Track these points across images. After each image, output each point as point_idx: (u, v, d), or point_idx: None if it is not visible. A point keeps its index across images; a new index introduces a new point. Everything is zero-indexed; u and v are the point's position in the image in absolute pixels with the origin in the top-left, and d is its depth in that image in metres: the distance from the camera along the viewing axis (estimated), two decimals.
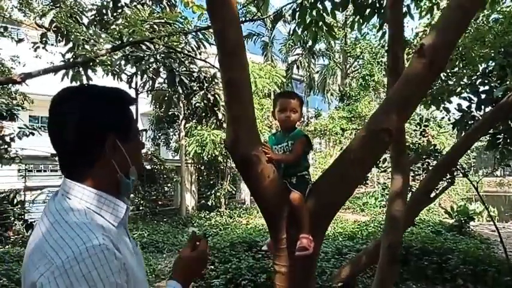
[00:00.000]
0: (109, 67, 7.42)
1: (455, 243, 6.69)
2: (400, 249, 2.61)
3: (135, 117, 1.11)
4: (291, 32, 4.16)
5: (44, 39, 7.38)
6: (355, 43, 15.37)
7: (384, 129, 1.70)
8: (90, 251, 0.81)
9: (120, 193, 1.00)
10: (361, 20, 3.96)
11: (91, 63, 6.19)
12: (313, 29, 3.97)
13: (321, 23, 3.93)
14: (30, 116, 17.83)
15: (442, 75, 5.99)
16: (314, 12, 3.78)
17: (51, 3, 7.39)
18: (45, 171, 15.29)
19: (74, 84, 7.67)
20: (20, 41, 7.67)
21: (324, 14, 3.88)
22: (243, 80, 1.64)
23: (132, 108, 1.09)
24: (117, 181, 0.98)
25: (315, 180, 1.93)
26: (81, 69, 7.39)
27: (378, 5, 3.61)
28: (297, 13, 3.86)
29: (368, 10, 3.67)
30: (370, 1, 3.65)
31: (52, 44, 7.66)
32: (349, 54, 16.60)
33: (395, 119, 1.70)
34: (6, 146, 4.95)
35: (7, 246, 7.59)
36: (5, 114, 4.19)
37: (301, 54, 19.91)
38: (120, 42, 5.04)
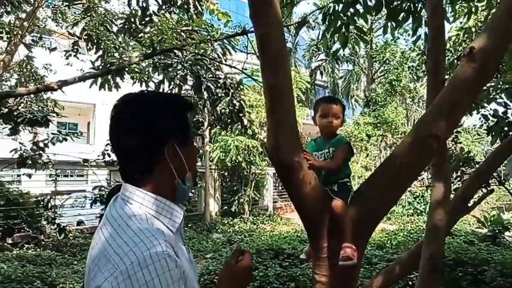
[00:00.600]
0: (137, 74, 7.58)
1: (490, 254, 6.41)
2: (441, 260, 2.50)
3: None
4: (319, 36, 4.11)
5: (76, 47, 7.64)
6: (385, 47, 15.10)
7: (432, 136, 1.63)
8: (154, 257, 0.80)
9: (176, 199, 0.99)
10: (394, 24, 3.89)
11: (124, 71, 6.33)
12: (344, 33, 3.92)
13: (351, 27, 3.88)
14: (58, 123, 18.48)
15: None
16: (345, 16, 3.73)
17: (83, 13, 7.64)
18: (71, 176, 15.74)
19: (102, 91, 7.90)
20: (53, 49, 7.96)
21: (355, 17, 3.83)
22: (285, 85, 1.61)
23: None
24: (174, 187, 0.98)
25: (359, 187, 1.88)
26: (109, 76, 7.61)
27: (412, 9, 3.52)
28: (327, 17, 3.82)
29: (402, 14, 3.59)
30: (404, 5, 3.56)
31: (81, 53, 7.91)
32: (375, 59, 16.34)
33: (443, 125, 1.63)
34: (40, 152, 5.10)
35: (38, 250, 7.83)
36: (40, 120, 4.32)
37: (324, 60, 19.80)
38: (152, 49, 5.12)
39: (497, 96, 5.24)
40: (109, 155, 5.30)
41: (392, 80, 14.75)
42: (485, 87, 5.40)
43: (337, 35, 4.06)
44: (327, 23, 3.90)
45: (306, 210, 1.77)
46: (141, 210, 0.91)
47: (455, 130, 6.61)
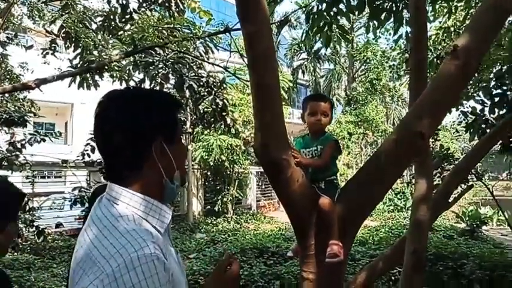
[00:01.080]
0: (117, 73, 7.44)
1: (468, 247, 6.60)
2: (425, 254, 2.55)
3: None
4: (302, 36, 4.13)
5: (53, 45, 7.42)
6: (366, 46, 15.31)
7: (417, 133, 1.65)
8: (142, 259, 0.78)
9: (164, 199, 0.97)
10: (376, 24, 3.94)
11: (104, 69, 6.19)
12: (327, 32, 3.94)
13: (334, 26, 3.91)
14: (34, 123, 17.95)
15: None
16: (328, 16, 3.76)
17: (61, 10, 7.43)
18: (49, 177, 15.30)
19: (80, 90, 7.71)
20: (29, 47, 7.71)
21: (338, 17, 3.86)
22: (274, 83, 1.60)
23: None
24: (162, 186, 0.96)
25: (345, 184, 1.89)
26: (88, 75, 7.44)
27: (394, 9, 3.58)
28: (311, 16, 3.83)
29: (384, 14, 3.64)
30: (386, 5, 3.61)
31: (58, 51, 7.68)
32: (355, 58, 16.58)
33: (427, 122, 1.66)
34: (17, 153, 4.94)
35: (15, 254, 7.58)
36: (17, 120, 4.17)
37: (306, 59, 19.93)
38: (133, 47, 5.03)
39: (475, 94, 5.38)
40: (88, 155, 5.17)
41: (372, 79, 15.01)
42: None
43: (319, 34, 4.10)
44: (310, 22, 3.93)
45: (293, 208, 1.77)
46: (128, 210, 0.88)
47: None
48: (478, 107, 5.22)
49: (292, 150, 1.72)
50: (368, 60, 15.90)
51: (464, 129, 5.41)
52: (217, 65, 7.42)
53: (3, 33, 7.29)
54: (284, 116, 1.73)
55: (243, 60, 7.34)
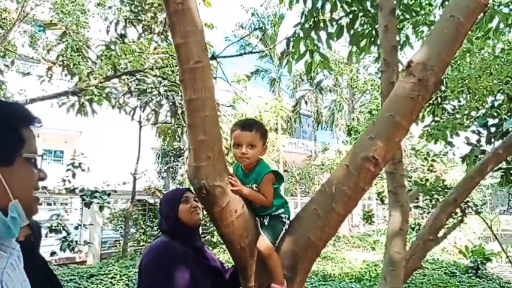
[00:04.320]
0: (112, 100, 7.43)
1: (471, 286, 6.17)
2: None
3: (35, 139, 0.92)
4: (284, 62, 4.03)
5: (50, 72, 7.48)
6: (357, 76, 15.31)
7: (369, 158, 1.47)
8: None
9: None
10: (358, 51, 3.84)
11: (91, 95, 6.17)
12: (307, 60, 3.85)
13: (315, 53, 3.81)
14: (44, 150, 18.07)
15: (448, 107, 5.79)
16: (308, 42, 3.67)
17: (59, 38, 7.54)
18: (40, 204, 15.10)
19: (90, 119, 7.70)
20: (27, 74, 7.79)
21: (319, 44, 3.77)
22: (205, 100, 1.45)
23: (34, 128, 0.90)
24: None
25: (295, 216, 1.69)
26: (86, 102, 7.44)
27: (374, 34, 3.48)
28: (291, 43, 3.75)
29: (364, 41, 3.54)
30: (366, 31, 3.52)
31: (59, 79, 7.74)
32: (355, 88, 16.57)
33: (381, 145, 1.48)
34: None
35: None
36: None
37: (309, 90, 19.99)
38: (114, 72, 4.99)
39: (470, 124, 5.19)
40: (69, 182, 5.02)
41: (372, 110, 14.91)
42: (458, 116, 5.37)
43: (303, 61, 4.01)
44: (290, 48, 3.84)
45: (231, 244, 1.56)
46: None
47: (430, 159, 6.52)
48: (473, 137, 5.04)
49: (229, 177, 1.53)
50: (368, 91, 15.89)
51: (461, 160, 5.19)
52: None
53: (1, 61, 7.38)
54: (221, 136, 1.56)
55: (233, 90, 7.29)
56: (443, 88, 5.47)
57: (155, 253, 1.77)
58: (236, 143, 1.62)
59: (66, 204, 8.99)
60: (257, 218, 1.62)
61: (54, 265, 9.58)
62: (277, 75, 18.69)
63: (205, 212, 1.68)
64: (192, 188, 1.68)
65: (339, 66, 15.40)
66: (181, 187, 1.74)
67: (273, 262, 1.52)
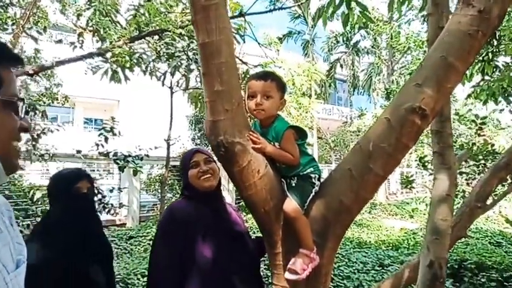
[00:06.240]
0: (143, 65, 7.37)
1: None
2: (445, 268, 2.08)
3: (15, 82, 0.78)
4: (318, 14, 3.70)
5: (81, 38, 7.49)
6: (398, 33, 14.23)
7: (415, 109, 1.24)
8: None
9: None
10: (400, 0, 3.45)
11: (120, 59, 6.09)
12: (343, 11, 3.51)
13: (353, 4, 3.46)
14: (85, 118, 18.80)
15: (501, 64, 5.21)
16: None
17: (88, 3, 7.49)
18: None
19: (125, 88, 7.77)
20: (58, 41, 7.86)
21: None
22: (221, 43, 1.25)
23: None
24: None
25: (327, 176, 1.50)
26: (119, 69, 7.45)
27: None
28: None
29: None
30: None
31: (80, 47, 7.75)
32: (395, 48, 15.55)
33: (430, 93, 1.23)
34: (34, 143, 4.94)
35: None
36: (27, 109, 4.14)
37: (344, 53, 19.10)
38: (138, 32, 4.86)
39: None
40: (102, 146, 5.07)
41: (413, 71, 13.96)
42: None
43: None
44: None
45: (255, 207, 1.40)
46: None
47: (479, 121, 6.02)
48: None
49: (251, 133, 1.35)
50: (409, 51, 14.85)
51: None
52: (237, 57, 7.08)
53: (34, 27, 7.45)
54: (240, 87, 1.36)
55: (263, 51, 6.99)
56: (495, 42, 4.92)
57: (162, 219, 1.76)
58: (250, 94, 1.43)
59: (109, 171, 9.28)
60: (283, 180, 1.45)
61: None
62: (310, 37, 17.90)
63: None
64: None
65: (378, 25, 14.45)
66: (194, 147, 1.64)
67: (300, 226, 1.36)
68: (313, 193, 1.42)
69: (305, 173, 1.43)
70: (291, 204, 1.35)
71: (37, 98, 6.55)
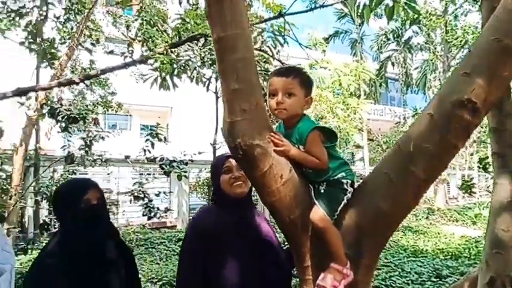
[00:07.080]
0: (188, 71, 7.54)
1: None
2: (509, 286, 1.81)
3: None
4: (362, 8, 3.49)
5: (130, 48, 7.83)
6: (455, 25, 13.20)
7: (463, 102, 1.05)
8: None
9: None
10: None
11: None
12: (387, 3, 3.29)
13: None
14: (141, 125, 19.81)
15: None
16: None
17: (137, 14, 7.83)
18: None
19: (178, 95, 8.04)
20: (110, 52, 8.30)
21: None
22: (237, 37, 1.15)
23: None
24: None
25: (361, 182, 1.34)
26: (167, 77, 7.70)
27: None
28: None
29: None
30: None
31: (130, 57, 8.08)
32: (452, 43, 14.54)
33: (481, 83, 1.04)
34: (87, 149, 5.19)
35: None
36: (77, 117, 4.35)
37: (396, 50, 18.24)
38: (178, 39, 4.93)
39: None
40: (149, 151, 5.21)
41: None
42: None
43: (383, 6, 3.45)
44: None
45: (279, 217, 1.28)
46: None
47: None
48: None
49: (272, 134, 1.24)
50: (467, 45, 13.78)
51: None
52: (279, 61, 6.98)
53: (88, 40, 7.91)
54: (260, 85, 1.25)
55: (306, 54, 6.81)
56: None
57: (186, 234, 1.72)
58: (271, 92, 1.31)
59: (153, 174, 9.64)
60: (311, 186, 1.31)
61: (148, 229, 10.46)
62: (358, 36, 17.32)
63: None
64: None
65: (431, 19, 13.58)
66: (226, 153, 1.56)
67: (330, 237, 1.22)
68: (345, 200, 1.27)
69: (335, 178, 1.29)
70: (318, 212, 1.21)
71: (92, 106, 6.92)
